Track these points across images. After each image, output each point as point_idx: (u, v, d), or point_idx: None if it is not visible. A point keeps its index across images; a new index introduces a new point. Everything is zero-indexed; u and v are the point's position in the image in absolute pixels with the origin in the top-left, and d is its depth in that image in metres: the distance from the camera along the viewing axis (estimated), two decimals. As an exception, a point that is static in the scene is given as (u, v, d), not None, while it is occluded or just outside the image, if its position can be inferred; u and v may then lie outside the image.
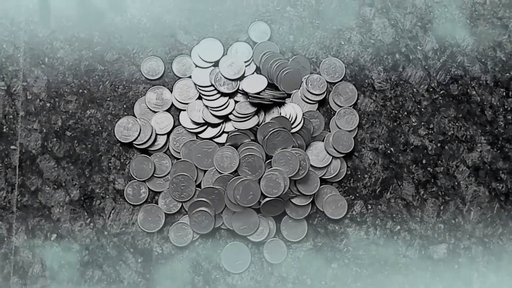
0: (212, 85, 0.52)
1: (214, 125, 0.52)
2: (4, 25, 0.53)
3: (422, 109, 0.54)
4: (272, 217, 0.52)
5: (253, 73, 0.53)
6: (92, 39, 0.53)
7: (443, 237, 0.54)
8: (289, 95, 0.53)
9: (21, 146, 0.52)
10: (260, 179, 0.51)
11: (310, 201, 0.52)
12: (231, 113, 0.52)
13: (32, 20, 0.53)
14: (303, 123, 0.52)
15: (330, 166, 0.53)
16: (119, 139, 0.52)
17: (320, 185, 0.52)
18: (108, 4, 0.54)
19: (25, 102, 0.53)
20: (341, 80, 0.54)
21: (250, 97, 0.52)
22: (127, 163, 0.53)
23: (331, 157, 0.53)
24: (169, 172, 0.52)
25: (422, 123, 0.54)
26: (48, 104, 0.53)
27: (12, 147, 0.52)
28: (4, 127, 0.52)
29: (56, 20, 0.53)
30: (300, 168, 0.51)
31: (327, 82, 0.53)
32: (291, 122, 0.52)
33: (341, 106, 0.54)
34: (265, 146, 0.51)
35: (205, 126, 0.52)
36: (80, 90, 0.53)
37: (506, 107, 0.55)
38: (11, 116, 0.53)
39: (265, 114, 0.52)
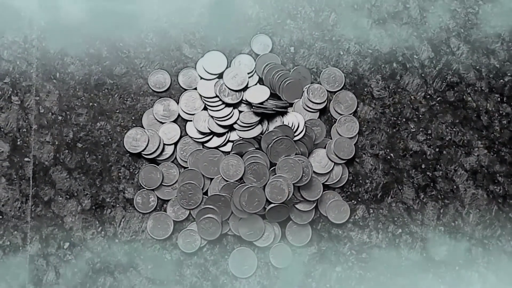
0: (216, 96, 0.53)
1: (220, 135, 0.54)
2: (17, 43, 0.55)
3: (420, 116, 0.56)
4: (277, 223, 0.53)
5: (256, 84, 0.55)
6: (101, 54, 0.55)
7: (443, 239, 0.55)
8: (291, 104, 0.55)
9: (34, 158, 0.54)
10: (265, 186, 0.52)
11: (313, 206, 0.53)
12: (235, 122, 0.53)
13: (44, 37, 0.55)
14: (305, 131, 0.53)
15: (332, 172, 0.54)
16: (128, 150, 0.54)
17: (323, 190, 0.53)
18: (116, 20, 0.55)
19: (37, 116, 0.54)
20: (341, 89, 0.55)
21: (253, 107, 0.53)
22: (136, 172, 0.54)
23: (333, 163, 0.54)
24: (176, 180, 0.54)
25: (420, 129, 0.55)
26: (60, 117, 0.54)
27: (26, 159, 0.54)
28: (18, 140, 0.54)
29: (66, 37, 0.55)
30: (303, 174, 0.52)
31: (327, 91, 0.55)
32: (294, 130, 0.53)
33: (341, 114, 0.55)
34: (269, 154, 0.52)
35: (211, 136, 0.54)
36: (90, 103, 0.55)
37: (501, 112, 0.56)
38: (24, 130, 0.54)
39: (268, 123, 0.54)
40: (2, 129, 0.54)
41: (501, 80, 0.56)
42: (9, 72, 0.54)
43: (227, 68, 0.54)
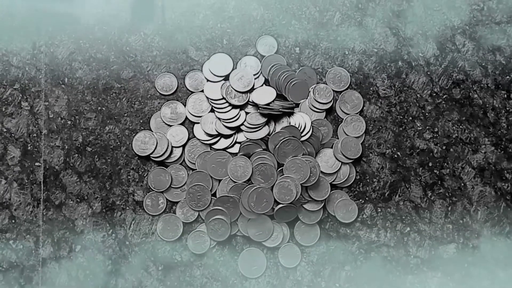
0: (223, 98, 0.54)
1: (227, 136, 0.54)
2: (26, 49, 0.55)
3: (426, 114, 0.56)
4: (285, 223, 0.54)
5: (262, 85, 0.55)
6: (109, 58, 0.56)
7: (452, 237, 0.55)
8: (297, 105, 0.55)
9: (45, 162, 0.55)
10: (272, 186, 0.52)
11: (321, 206, 0.54)
12: (242, 124, 0.54)
13: (52, 43, 0.56)
14: (312, 131, 0.54)
15: (339, 171, 0.54)
16: (137, 153, 0.54)
17: (331, 190, 0.54)
18: (122, 25, 0.56)
19: (47, 121, 0.55)
20: (347, 89, 0.56)
21: (260, 108, 0.53)
22: (145, 175, 0.55)
23: (340, 163, 0.54)
24: (185, 182, 0.54)
25: (427, 127, 0.56)
26: (69, 122, 0.55)
27: (37, 163, 0.55)
28: (29, 145, 0.55)
29: (74, 42, 0.56)
30: (311, 174, 0.52)
31: (333, 91, 0.55)
32: (301, 130, 0.53)
33: (348, 114, 0.55)
34: (277, 154, 0.53)
35: (218, 138, 0.54)
36: (99, 108, 0.55)
37: (507, 108, 0.56)
38: (34, 135, 0.55)
39: (275, 124, 0.54)
40: (13, 135, 0.55)
41: (507, 77, 0.56)
42: (18, 78, 0.55)
43: (233, 70, 0.55)
